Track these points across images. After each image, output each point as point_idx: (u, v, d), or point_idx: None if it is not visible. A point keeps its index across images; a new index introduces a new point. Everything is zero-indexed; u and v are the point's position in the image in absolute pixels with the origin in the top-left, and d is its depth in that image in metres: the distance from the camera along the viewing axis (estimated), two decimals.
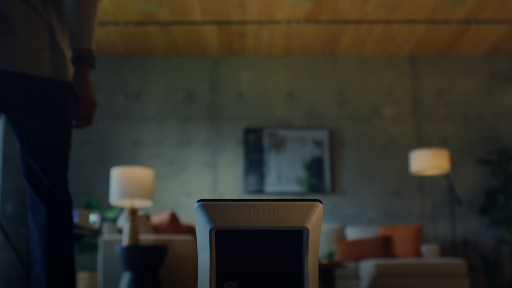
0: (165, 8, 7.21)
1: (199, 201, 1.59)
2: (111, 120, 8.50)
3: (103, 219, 7.38)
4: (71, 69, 2.49)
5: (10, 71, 2.34)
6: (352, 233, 7.80)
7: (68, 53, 2.49)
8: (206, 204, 1.57)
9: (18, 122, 2.44)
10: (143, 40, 8.12)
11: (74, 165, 8.32)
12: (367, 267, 6.67)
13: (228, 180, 8.41)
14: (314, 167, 8.41)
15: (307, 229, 1.57)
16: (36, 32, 2.37)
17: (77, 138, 8.35)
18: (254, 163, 8.40)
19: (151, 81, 8.65)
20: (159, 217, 6.22)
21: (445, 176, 7.71)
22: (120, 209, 7.81)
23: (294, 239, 1.60)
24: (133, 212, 5.43)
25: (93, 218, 4.89)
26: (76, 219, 4.74)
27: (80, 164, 8.34)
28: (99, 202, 7.90)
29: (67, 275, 2.42)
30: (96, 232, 4.97)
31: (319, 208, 1.58)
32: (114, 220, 7.62)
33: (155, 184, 7.94)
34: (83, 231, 4.86)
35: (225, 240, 1.59)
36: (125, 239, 5.35)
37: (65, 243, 2.45)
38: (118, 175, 5.54)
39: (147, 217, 6.29)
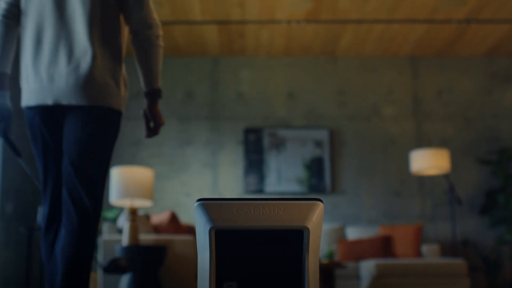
0: (165, 7, 7.19)
1: (198, 200, 1.58)
2: None
3: (103, 219, 7.37)
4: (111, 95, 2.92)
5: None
6: (352, 233, 7.79)
7: (111, 81, 2.93)
8: (206, 204, 1.56)
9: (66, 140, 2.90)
10: None
11: None
12: (367, 267, 6.66)
13: (228, 180, 8.40)
14: (314, 167, 8.40)
15: (307, 229, 1.57)
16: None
17: None
18: (254, 163, 8.39)
19: None
20: (159, 217, 6.21)
21: (445, 176, 7.69)
22: (120, 209, 7.80)
23: (295, 239, 1.59)
24: (133, 212, 5.41)
25: None
26: None
27: None
28: None
29: (83, 278, 2.74)
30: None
31: (319, 207, 1.58)
32: (114, 220, 7.61)
33: (155, 184, 7.93)
34: None
35: (225, 240, 1.58)
36: (125, 239, 5.34)
37: (87, 249, 2.78)
38: (118, 175, 5.53)
39: (147, 217, 6.27)
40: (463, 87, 8.69)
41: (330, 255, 6.40)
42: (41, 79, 2.87)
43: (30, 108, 2.98)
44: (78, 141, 2.85)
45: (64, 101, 2.84)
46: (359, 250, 7.25)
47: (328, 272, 5.83)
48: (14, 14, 3.01)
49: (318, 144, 8.46)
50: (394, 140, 8.53)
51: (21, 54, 3.00)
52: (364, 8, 7.26)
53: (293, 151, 8.44)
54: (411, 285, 6.50)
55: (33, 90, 2.91)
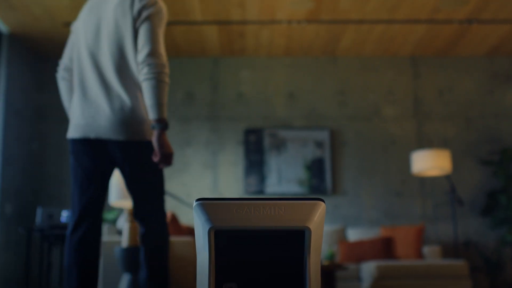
0: (165, 7, 7.13)
1: (197, 200, 1.54)
2: None
3: (102, 220, 7.32)
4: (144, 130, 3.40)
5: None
6: (353, 234, 7.75)
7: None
8: (205, 203, 1.53)
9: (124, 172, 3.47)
10: None
11: None
12: (368, 268, 6.62)
13: (228, 181, 8.37)
14: (315, 168, 8.36)
15: (309, 229, 1.53)
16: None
17: None
18: (255, 163, 8.36)
19: None
20: None
21: (446, 177, 7.65)
22: (120, 211, 7.76)
23: (296, 239, 1.55)
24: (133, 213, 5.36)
25: None
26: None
27: None
28: None
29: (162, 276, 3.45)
30: None
31: (321, 207, 1.54)
32: (114, 222, 7.57)
33: None
34: None
35: (224, 241, 1.55)
36: (124, 241, 5.30)
37: (156, 251, 3.47)
38: (118, 176, 5.49)
39: None
40: (464, 87, 8.65)
41: (331, 256, 6.36)
42: (86, 118, 3.37)
43: (74, 140, 3.43)
44: (135, 173, 3.43)
45: (104, 136, 3.33)
46: (360, 252, 7.21)
47: (328, 273, 5.79)
48: (69, 68, 3.59)
49: (319, 144, 8.43)
50: (395, 140, 8.50)
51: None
52: (365, 8, 7.22)
53: (294, 152, 8.40)
54: (412, 287, 6.47)
55: (78, 125, 3.40)
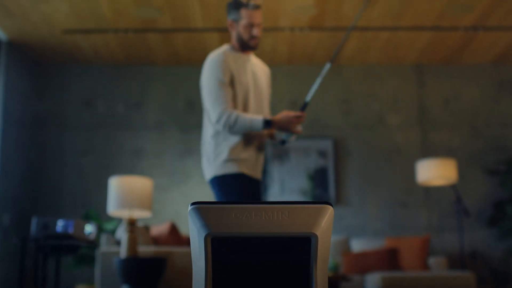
0: (166, 14, 7.06)
1: (193, 204, 1.40)
2: (111, 129, 8.36)
3: (102, 230, 7.21)
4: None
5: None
6: (358, 245, 7.62)
7: None
8: (201, 208, 1.38)
9: None
10: (143, 47, 7.98)
11: (72, 174, 8.18)
12: (373, 280, 6.49)
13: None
14: (318, 178, 8.24)
15: (315, 236, 1.38)
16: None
17: (76, 147, 8.23)
18: None
19: (152, 90, 8.51)
20: (159, 229, 6.06)
21: (452, 187, 7.54)
22: (120, 221, 7.64)
23: (301, 247, 1.40)
24: (132, 223, 5.24)
25: (89, 229, 4.71)
26: (71, 229, 4.56)
27: (79, 174, 8.19)
28: (98, 213, 7.72)
29: None
30: (92, 243, 4.78)
31: (329, 211, 1.40)
32: (113, 232, 7.44)
33: (155, 195, 7.80)
34: (79, 242, 4.68)
35: (222, 248, 1.39)
36: (123, 251, 5.17)
37: None
38: (117, 185, 5.37)
39: (146, 228, 6.11)
40: (470, 96, 8.54)
41: (335, 267, 6.23)
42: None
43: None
44: None
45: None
46: (365, 263, 7.08)
47: (333, 285, 5.65)
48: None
49: (322, 154, 8.31)
50: (400, 149, 8.38)
51: None
52: (369, 15, 7.12)
53: (297, 162, 8.28)
54: None
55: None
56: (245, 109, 3.81)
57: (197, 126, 8.37)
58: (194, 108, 8.43)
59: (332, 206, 1.37)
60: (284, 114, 3.71)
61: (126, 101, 8.46)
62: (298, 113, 3.73)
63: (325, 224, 1.40)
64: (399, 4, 6.89)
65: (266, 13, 6.99)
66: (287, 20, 7.22)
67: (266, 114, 3.89)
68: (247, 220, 1.37)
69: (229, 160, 3.79)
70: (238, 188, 3.74)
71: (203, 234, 1.38)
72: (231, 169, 3.77)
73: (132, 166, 8.24)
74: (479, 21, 7.27)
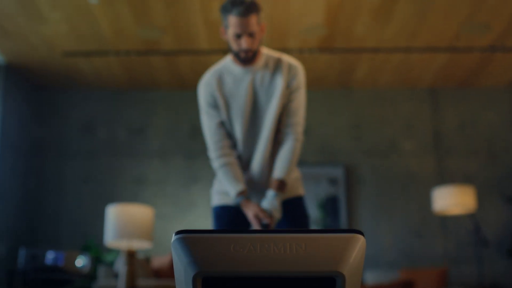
0: (169, 35, 6.81)
1: (178, 233, 1.05)
2: (112, 156, 8.14)
3: (101, 262, 6.89)
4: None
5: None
6: (371, 277, 7.35)
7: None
8: (189, 238, 1.02)
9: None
10: (146, 70, 7.74)
11: (72, 203, 7.95)
12: None
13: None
14: (329, 206, 8.01)
15: (342, 276, 1.03)
16: None
17: (76, 175, 8.03)
18: None
19: (155, 115, 8.30)
20: (160, 260, 5.76)
21: (470, 215, 7.26)
22: (120, 252, 7.35)
23: None
24: (131, 254, 4.93)
25: (82, 261, 4.37)
26: (61, 262, 4.23)
27: (79, 203, 7.97)
28: (98, 244, 7.44)
29: None
30: (85, 277, 4.45)
31: (360, 243, 1.04)
32: (113, 264, 7.14)
33: (158, 225, 7.59)
34: (70, 275, 4.34)
35: None
36: (121, 285, 4.85)
37: None
38: (115, 214, 5.07)
39: (147, 260, 5.82)
40: (487, 120, 8.31)
41: None
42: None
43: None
44: None
45: None
46: None
47: None
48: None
49: (333, 181, 8.08)
50: (414, 177, 8.14)
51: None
52: (381, 35, 6.87)
53: (306, 189, 7.92)
54: None
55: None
56: (238, 132, 3.31)
57: (202, 152, 8.14)
58: (199, 134, 8.20)
59: (363, 235, 1.01)
60: (255, 210, 3.09)
61: (128, 127, 8.24)
62: (266, 218, 3.07)
63: (355, 260, 1.04)
64: (413, 24, 6.65)
65: (274, 34, 6.75)
66: (296, 41, 6.98)
67: (264, 136, 3.28)
68: (250, 255, 1.01)
69: (214, 192, 3.43)
70: (225, 221, 3.33)
71: (191, 274, 1.03)
72: (215, 201, 3.40)
73: (134, 194, 8.00)
74: (496, 41, 7.01)
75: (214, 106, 3.26)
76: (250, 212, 3.07)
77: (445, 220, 7.99)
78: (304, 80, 3.30)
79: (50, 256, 4.33)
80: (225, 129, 3.27)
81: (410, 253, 7.92)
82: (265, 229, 3.01)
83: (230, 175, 3.19)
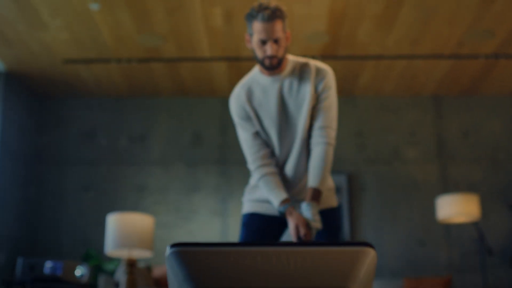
0: (171, 43, 6.76)
1: (173, 246, 0.98)
2: (113, 164, 8.08)
3: (101, 271, 6.82)
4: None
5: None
6: (375, 287, 7.25)
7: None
8: (185, 252, 0.95)
9: None
10: (147, 78, 7.68)
11: (72, 212, 7.89)
12: None
13: (238, 230, 7.86)
14: None
15: None
16: None
17: (77, 183, 7.98)
18: None
19: (156, 123, 8.24)
20: (162, 269, 5.71)
21: (474, 224, 7.19)
22: (121, 261, 7.29)
23: None
24: (131, 263, 4.87)
25: (80, 271, 4.31)
26: (59, 272, 4.16)
27: (80, 211, 7.90)
28: (99, 253, 7.38)
29: None
30: (84, 287, 4.38)
31: (369, 257, 0.97)
32: (113, 273, 7.08)
33: (159, 233, 7.54)
34: (68, 285, 4.27)
35: None
36: None
37: None
38: (115, 222, 5.03)
39: (148, 269, 5.75)
40: (491, 128, 8.25)
41: None
42: None
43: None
44: None
45: None
46: None
47: None
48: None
49: (336, 190, 7.92)
50: (418, 185, 8.08)
51: None
52: (385, 42, 6.82)
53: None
54: None
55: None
56: (274, 141, 3.28)
57: (204, 160, 8.10)
58: (201, 141, 8.17)
59: (374, 248, 0.94)
60: (296, 220, 3.04)
61: (129, 135, 8.18)
62: (304, 229, 3.02)
63: (365, 275, 0.97)
64: (416, 31, 6.60)
65: None
66: (298, 48, 6.92)
67: (297, 143, 3.24)
68: (251, 269, 0.94)
69: (245, 200, 3.43)
70: (253, 229, 3.32)
71: None
72: (245, 209, 3.39)
73: (135, 202, 7.94)
74: (500, 48, 6.96)
75: (247, 118, 3.25)
76: (292, 222, 3.03)
77: (449, 228, 7.92)
78: (334, 82, 3.24)
79: (48, 266, 4.27)
80: (261, 138, 3.26)
81: (413, 262, 7.85)
82: (301, 241, 2.99)
83: (272, 185, 3.17)
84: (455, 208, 6.98)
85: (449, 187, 8.03)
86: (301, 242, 3.00)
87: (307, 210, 3.03)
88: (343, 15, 6.27)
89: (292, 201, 3.19)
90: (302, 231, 2.97)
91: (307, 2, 6.02)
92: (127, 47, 6.89)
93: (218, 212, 7.97)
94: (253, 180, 3.35)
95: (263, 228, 3.26)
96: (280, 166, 3.27)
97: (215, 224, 7.92)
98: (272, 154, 3.28)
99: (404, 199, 8.05)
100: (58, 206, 7.94)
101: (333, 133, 3.21)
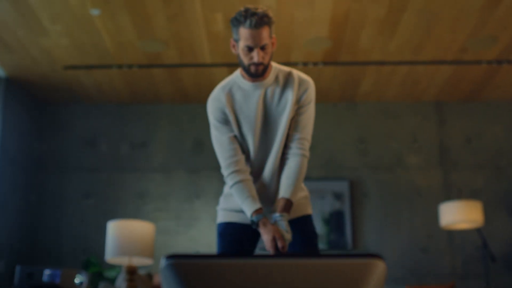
0: (172, 49, 6.72)
1: (168, 257, 0.93)
2: (114, 170, 8.03)
3: (102, 279, 6.77)
4: None
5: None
6: None
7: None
8: (181, 264, 0.91)
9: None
10: (149, 84, 7.64)
11: (73, 219, 7.85)
12: None
13: None
14: (334, 222, 7.87)
15: None
16: None
17: (77, 190, 7.94)
18: None
19: (158, 129, 8.19)
20: None
21: (477, 230, 7.13)
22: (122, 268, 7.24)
23: None
24: (131, 271, 4.83)
25: (79, 279, 4.27)
26: (58, 279, 4.12)
27: (81, 218, 7.85)
28: (100, 260, 7.32)
29: None
30: None
31: (379, 269, 0.92)
32: (114, 280, 7.02)
33: (161, 240, 7.50)
34: None
35: None
36: None
37: None
38: (115, 230, 4.98)
39: (149, 276, 5.70)
40: (494, 134, 8.19)
41: None
42: None
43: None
44: None
45: None
46: None
47: None
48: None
49: (338, 196, 7.96)
50: (420, 191, 8.02)
51: None
52: (387, 48, 6.77)
53: (311, 204, 7.85)
54: None
55: None
56: (250, 147, 3.18)
57: (206, 167, 8.05)
58: (203, 148, 8.12)
59: (383, 260, 0.89)
60: (272, 233, 2.94)
61: (130, 141, 8.13)
62: (282, 242, 2.92)
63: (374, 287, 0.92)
64: (419, 36, 6.55)
65: (278, 47, 6.66)
66: (300, 53, 6.88)
67: (274, 152, 3.17)
68: (250, 284, 0.89)
69: (220, 209, 3.32)
70: (229, 239, 3.23)
71: None
72: (220, 218, 3.29)
73: (136, 209, 7.89)
74: (503, 54, 6.91)
75: (225, 121, 3.16)
76: (267, 234, 2.93)
77: (452, 235, 7.86)
78: (314, 95, 3.19)
79: (46, 274, 4.23)
80: (237, 143, 3.16)
81: (416, 269, 7.79)
82: (279, 253, 2.91)
83: (245, 193, 3.07)
84: (459, 215, 6.95)
85: (451, 194, 7.97)
86: (278, 254, 2.95)
87: (280, 221, 2.97)
88: (345, 20, 6.23)
89: (265, 211, 3.10)
90: (280, 244, 2.88)
91: (309, 7, 5.99)
92: (128, 53, 6.85)
93: None
94: (226, 188, 3.26)
95: (239, 238, 3.18)
96: (255, 173, 3.19)
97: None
98: (247, 160, 3.20)
99: (406, 206, 7.99)
100: (58, 213, 7.89)
101: (308, 146, 3.18)
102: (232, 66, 7.13)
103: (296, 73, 3.18)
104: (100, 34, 6.43)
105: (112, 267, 7.30)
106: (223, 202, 3.28)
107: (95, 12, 5.97)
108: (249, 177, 3.12)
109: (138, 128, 8.20)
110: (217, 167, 8.12)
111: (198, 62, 7.07)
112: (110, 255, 4.95)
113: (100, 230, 7.56)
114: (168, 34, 6.43)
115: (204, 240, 7.81)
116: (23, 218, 7.64)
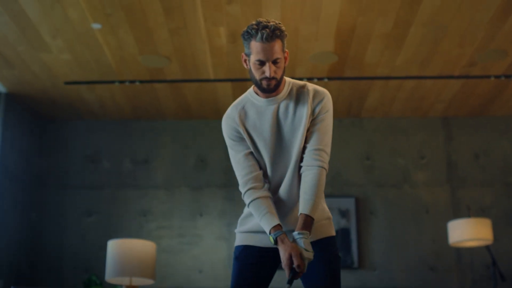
0: (174, 63, 6.66)
1: None
2: (116, 188, 7.97)
3: None
4: None
5: None
6: None
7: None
8: None
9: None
10: (151, 99, 7.58)
11: (74, 237, 7.80)
12: None
13: None
14: (339, 239, 7.78)
15: None
16: None
17: (79, 208, 7.88)
18: None
19: (160, 145, 8.14)
20: None
21: (487, 248, 7.02)
22: None
23: None
24: None
25: None
26: None
27: (82, 236, 7.79)
28: (102, 279, 7.24)
29: None
30: None
31: None
32: None
33: (163, 259, 7.45)
34: None
35: None
36: None
37: None
38: (116, 249, 4.90)
39: None
40: (502, 150, 8.11)
41: None
42: None
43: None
44: None
45: None
46: None
47: None
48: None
49: (344, 213, 7.89)
50: (428, 208, 7.94)
51: None
52: (393, 63, 6.70)
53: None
54: None
55: None
56: (266, 164, 3.10)
57: (209, 184, 7.98)
58: (206, 165, 8.05)
59: None
60: (289, 250, 2.86)
61: (132, 158, 8.07)
62: (298, 260, 2.86)
63: None
64: (425, 50, 6.49)
65: None
66: (305, 68, 6.82)
67: (291, 167, 3.07)
68: None
69: (238, 231, 3.25)
70: (245, 262, 3.13)
71: None
72: (238, 241, 3.21)
73: (139, 227, 7.82)
74: (511, 68, 6.82)
75: (239, 139, 3.10)
76: (284, 252, 2.85)
77: (460, 253, 7.76)
78: (331, 106, 3.09)
79: None
80: (254, 159, 3.09)
81: (424, 287, 7.69)
82: (296, 272, 2.82)
83: (263, 210, 2.98)
84: (468, 233, 6.85)
85: (459, 211, 7.87)
86: (294, 273, 2.83)
87: (299, 239, 2.85)
88: (351, 35, 6.15)
89: (285, 229, 3.00)
90: (296, 262, 2.78)
91: (314, 22, 5.91)
92: (130, 68, 6.78)
93: (224, 236, 7.84)
94: (245, 209, 3.17)
95: (257, 262, 3.07)
96: (272, 192, 3.09)
97: (220, 249, 7.78)
98: (265, 177, 3.11)
99: (413, 223, 7.90)
100: (59, 231, 7.82)
101: (327, 157, 3.06)
102: (235, 81, 7.06)
103: (311, 85, 3.10)
104: (102, 49, 6.36)
105: (114, 286, 7.22)
106: (240, 224, 3.19)
107: (96, 25, 5.90)
108: (267, 194, 3.03)
109: (141, 145, 8.14)
110: (221, 184, 8.07)
111: (201, 77, 7.00)
112: (110, 275, 4.85)
113: (102, 248, 7.45)
114: (171, 48, 6.36)
115: (207, 259, 7.74)
116: (23, 236, 7.57)
